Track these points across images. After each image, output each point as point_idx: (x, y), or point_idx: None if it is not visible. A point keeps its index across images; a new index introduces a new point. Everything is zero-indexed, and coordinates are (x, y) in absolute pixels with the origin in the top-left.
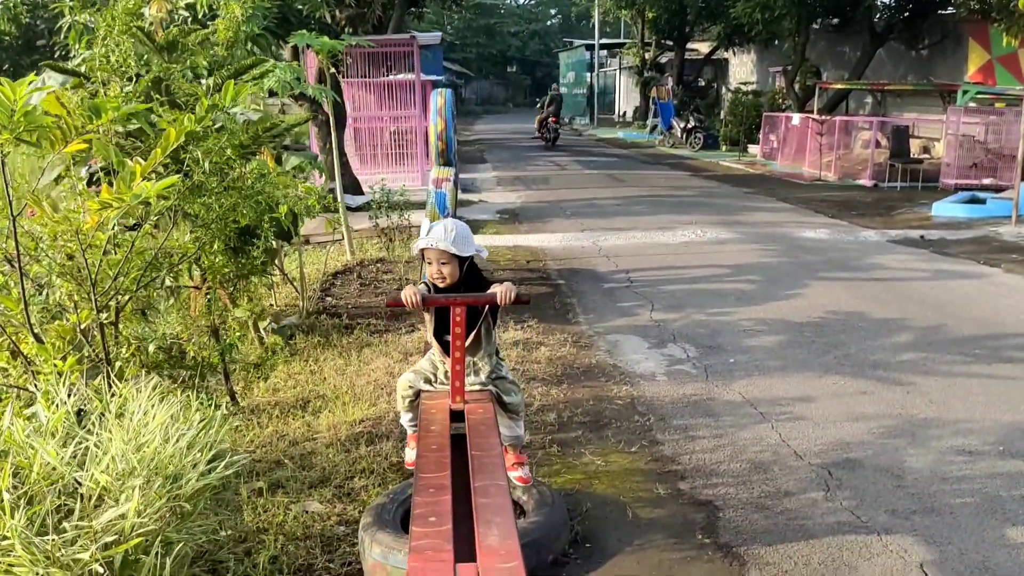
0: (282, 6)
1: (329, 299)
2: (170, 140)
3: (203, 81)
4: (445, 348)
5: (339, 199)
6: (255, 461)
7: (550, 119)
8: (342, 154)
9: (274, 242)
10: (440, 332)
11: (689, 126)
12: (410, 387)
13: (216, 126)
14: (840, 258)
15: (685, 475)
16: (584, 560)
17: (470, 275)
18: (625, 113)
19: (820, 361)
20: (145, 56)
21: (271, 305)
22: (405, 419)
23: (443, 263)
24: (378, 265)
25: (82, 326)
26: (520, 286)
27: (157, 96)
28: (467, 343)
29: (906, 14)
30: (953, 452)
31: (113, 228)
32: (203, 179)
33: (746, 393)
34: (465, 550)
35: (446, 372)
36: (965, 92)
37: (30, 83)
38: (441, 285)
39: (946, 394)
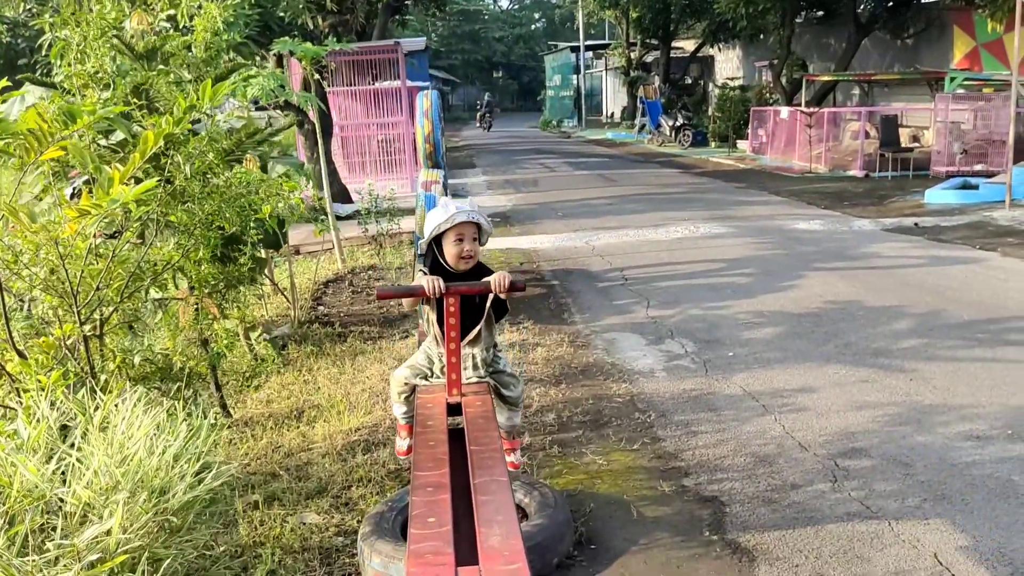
0: (264, 14)
1: (321, 308)
2: (148, 144)
3: (186, 88)
4: None
5: (328, 207)
6: (250, 474)
7: (486, 115)
8: (329, 162)
9: (263, 252)
10: (444, 321)
11: (678, 124)
12: (406, 383)
13: (200, 135)
14: (835, 248)
15: (689, 471)
16: (590, 562)
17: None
18: (613, 114)
19: (820, 351)
20: (123, 64)
21: (262, 316)
22: (398, 411)
23: (475, 238)
24: (369, 272)
25: (67, 340)
26: (513, 275)
27: (136, 100)
28: (470, 335)
29: (890, 4)
30: (961, 438)
31: (92, 236)
32: (185, 184)
33: (747, 386)
34: (466, 551)
35: (443, 367)
36: (952, 79)
37: (3, 89)
38: (465, 267)
39: (950, 379)
